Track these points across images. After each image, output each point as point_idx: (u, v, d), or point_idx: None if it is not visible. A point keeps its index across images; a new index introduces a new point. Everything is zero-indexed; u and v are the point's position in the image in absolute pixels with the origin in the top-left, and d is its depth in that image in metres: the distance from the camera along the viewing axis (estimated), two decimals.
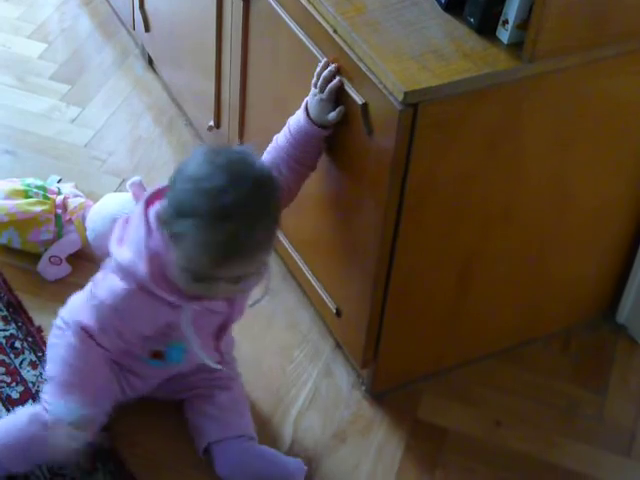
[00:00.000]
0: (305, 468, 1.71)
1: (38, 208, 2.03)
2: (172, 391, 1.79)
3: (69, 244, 2.06)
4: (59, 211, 2.06)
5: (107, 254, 1.62)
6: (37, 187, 2.08)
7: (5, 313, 1.95)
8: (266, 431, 1.82)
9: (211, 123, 2.19)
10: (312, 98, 1.62)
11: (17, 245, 2.04)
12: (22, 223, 2.03)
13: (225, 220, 1.46)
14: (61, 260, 2.03)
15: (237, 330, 1.93)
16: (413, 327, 1.79)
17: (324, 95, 1.59)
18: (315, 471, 1.77)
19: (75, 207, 2.07)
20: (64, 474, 1.71)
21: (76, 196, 2.12)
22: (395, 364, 1.86)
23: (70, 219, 2.06)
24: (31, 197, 2.06)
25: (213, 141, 2.25)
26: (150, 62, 2.59)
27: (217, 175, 1.47)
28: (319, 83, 1.60)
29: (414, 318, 1.78)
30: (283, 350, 1.98)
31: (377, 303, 1.72)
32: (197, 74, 2.22)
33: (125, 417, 1.78)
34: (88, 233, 2.04)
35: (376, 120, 1.53)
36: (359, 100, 1.54)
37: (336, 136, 1.65)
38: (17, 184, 2.10)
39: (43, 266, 2.03)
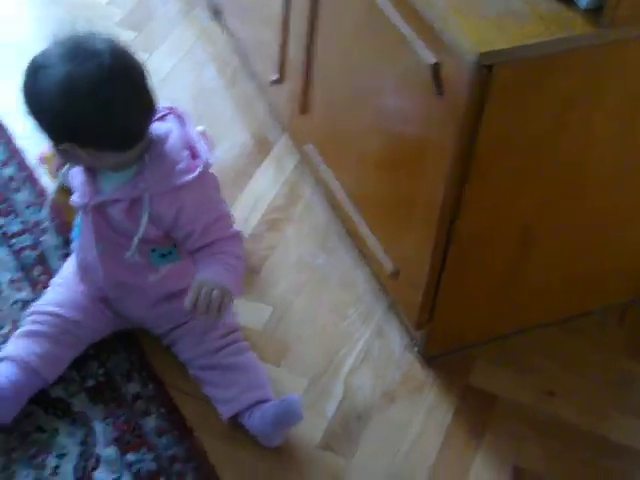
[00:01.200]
0: (297, 397, 1.69)
1: None
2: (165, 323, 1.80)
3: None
4: None
5: None
6: None
7: None
8: (317, 387, 1.83)
9: (274, 77, 2.17)
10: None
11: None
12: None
13: (36, 68, 1.54)
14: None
15: (290, 288, 1.95)
16: (471, 291, 1.78)
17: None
18: (364, 429, 1.78)
19: None
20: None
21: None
22: (450, 328, 1.85)
23: None
24: None
25: (276, 95, 2.25)
26: (216, 13, 2.58)
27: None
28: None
29: (472, 282, 1.77)
30: (337, 308, 1.98)
31: (436, 265, 1.71)
32: (263, 27, 2.21)
33: (174, 368, 1.80)
34: None
35: (447, 81, 1.51)
36: (430, 60, 1.52)
37: (401, 96, 1.64)
38: None
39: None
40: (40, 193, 2.09)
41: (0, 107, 2.26)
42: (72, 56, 1.52)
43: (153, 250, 1.69)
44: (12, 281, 1.93)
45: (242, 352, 1.75)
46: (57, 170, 1.81)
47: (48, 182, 2.06)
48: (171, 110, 1.68)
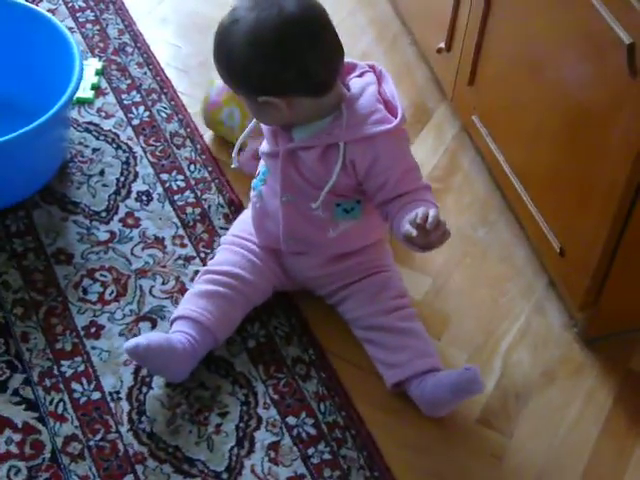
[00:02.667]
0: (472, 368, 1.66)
1: None
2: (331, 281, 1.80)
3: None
4: None
5: None
6: None
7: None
8: (475, 361, 1.81)
9: (442, 45, 2.15)
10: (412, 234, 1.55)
11: (237, 120, 2.04)
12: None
13: (231, 23, 1.58)
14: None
15: (450, 260, 1.93)
16: None
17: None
18: (523, 407, 1.76)
19: None
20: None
21: None
22: (614, 311, 1.82)
23: None
24: None
25: (440, 64, 2.22)
26: None
27: None
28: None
29: None
30: (496, 282, 1.96)
31: (609, 248, 1.68)
32: None
33: (333, 334, 1.82)
34: None
35: None
36: (626, 39, 1.48)
37: (587, 73, 1.60)
38: None
39: (247, 159, 1.96)
40: (203, 150, 2.11)
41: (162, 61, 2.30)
42: (256, 5, 1.56)
43: (337, 205, 1.70)
44: (175, 237, 1.96)
45: (413, 318, 1.75)
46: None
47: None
48: (371, 67, 1.71)
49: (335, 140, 1.63)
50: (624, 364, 1.84)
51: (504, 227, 2.05)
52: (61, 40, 1.99)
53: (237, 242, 1.81)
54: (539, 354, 1.85)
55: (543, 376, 1.81)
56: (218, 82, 2.03)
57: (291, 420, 1.70)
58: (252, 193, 1.80)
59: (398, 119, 1.64)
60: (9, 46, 2.08)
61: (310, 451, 1.67)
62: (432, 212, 1.53)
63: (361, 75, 1.70)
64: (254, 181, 1.79)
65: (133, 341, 1.64)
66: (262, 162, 1.78)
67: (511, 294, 1.94)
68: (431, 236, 1.54)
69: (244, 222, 1.85)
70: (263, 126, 1.74)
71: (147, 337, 1.65)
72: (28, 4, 2.09)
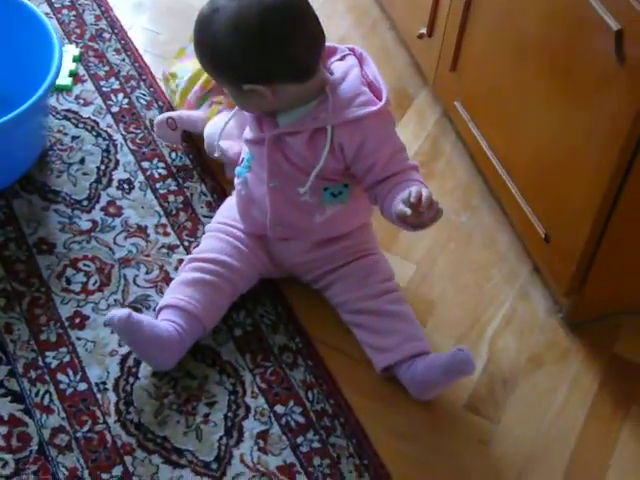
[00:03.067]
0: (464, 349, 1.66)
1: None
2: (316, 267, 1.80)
3: (191, 118, 2.02)
4: (213, 92, 2.04)
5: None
6: None
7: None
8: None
9: (423, 30, 2.14)
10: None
11: (182, 84, 2.05)
12: (197, 71, 2.03)
13: (211, 12, 1.58)
14: (176, 127, 2.01)
15: (434, 245, 1.93)
16: (627, 262, 1.76)
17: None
18: (510, 393, 1.77)
19: (226, 101, 2.02)
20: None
21: None
22: (599, 296, 1.83)
23: (213, 102, 2.03)
24: None
25: (420, 49, 2.22)
26: None
27: None
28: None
29: (630, 254, 1.74)
30: (480, 268, 1.96)
31: (595, 233, 1.68)
32: None
33: (318, 321, 1.82)
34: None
35: (631, 49, 1.47)
36: (614, 26, 1.48)
37: (574, 58, 1.60)
38: None
39: (159, 122, 2.00)
40: (184, 138, 2.09)
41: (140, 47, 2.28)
42: None
43: (325, 189, 1.70)
44: (157, 225, 1.94)
45: (401, 301, 1.75)
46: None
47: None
48: (351, 50, 1.71)
49: (322, 124, 1.63)
50: (609, 349, 1.85)
51: (487, 212, 2.05)
52: (39, 26, 1.97)
53: (222, 229, 1.80)
54: (525, 340, 1.85)
55: (529, 362, 1.82)
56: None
57: (279, 409, 1.70)
58: (236, 180, 1.79)
59: (384, 100, 1.64)
60: None
61: (299, 440, 1.66)
62: (425, 191, 1.54)
63: (342, 58, 1.70)
64: (238, 168, 1.78)
65: (113, 311, 1.64)
66: (245, 149, 1.77)
67: (495, 280, 1.94)
68: (424, 215, 1.54)
69: (228, 209, 1.84)
70: (246, 113, 1.72)
71: (129, 310, 1.63)
72: None
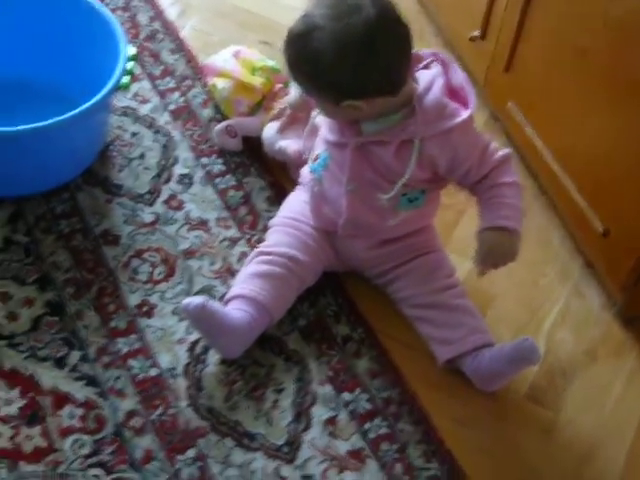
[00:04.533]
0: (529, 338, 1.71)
1: (256, 83, 2.09)
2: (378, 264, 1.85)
3: (249, 124, 2.08)
4: (267, 97, 2.09)
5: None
6: (270, 68, 2.12)
7: None
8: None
9: (475, 33, 2.19)
10: None
11: (225, 95, 2.10)
12: (238, 84, 2.08)
13: (309, 30, 1.59)
14: (236, 134, 2.07)
15: None
16: None
17: None
18: (569, 384, 1.81)
19: (280, 103, 2.09)
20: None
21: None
22: None
23: (268, 107, 2.09)
24: (255, 74, 2.11)
25: (471, 52, 2.26)
26: None
27: None
28: None
29: None
30: (534, 265, 2.00)
31: None
32: None
33: (378, 313, 1.86)
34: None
35: None
36: None
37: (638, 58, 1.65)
38: (255, 57, 2.15)
39: (219, 131, 2.07)
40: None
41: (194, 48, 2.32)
42: (336, 13, 1.57)
43: (403, 194, 1.73)
44: (219, 219, 1.98)
45: (464, 296, 1.80)
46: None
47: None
48: (435, 56, 1.73)
49: (411, 136, 1.65)
50: None
51: (539, 211, 2.10)
52: (102, 24, 2.00)
53: (289, 224, 1.83)
54: (581, 334, 1.90)
55: (586, 355, 1.86)
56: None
57: (346, 396, 1.73)
58: (309, 176, 1.82)
59: (470, 108, 1.67)
60: (51, 31, 2.09)
61: (367, 426, 1.70)
62: (490, 246, 1.68)
63: (427, 66, 1.71)
64: (312, 165, 1.81)
65: (190, 298, 1.68)
66: (322, 147, 1.79)
67: (550, 276, 1.98)
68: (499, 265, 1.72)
69: (294, 203, 1.88)
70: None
71: (205, 298, 1.67)
72: None
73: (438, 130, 1.65)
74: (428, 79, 1.67)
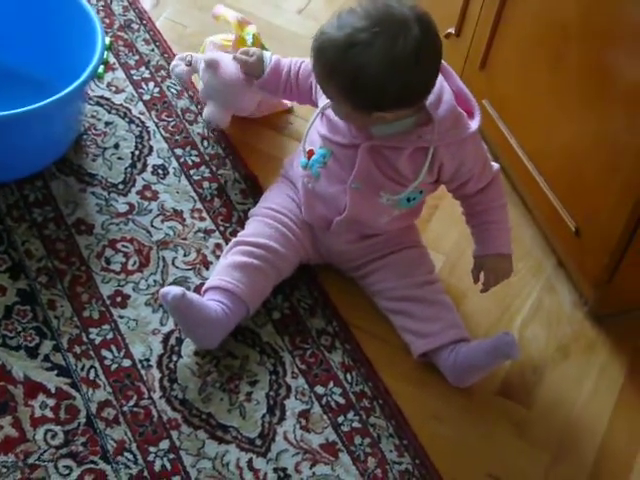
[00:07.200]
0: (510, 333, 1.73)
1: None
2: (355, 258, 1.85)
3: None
4: None
5: None
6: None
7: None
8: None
9: (450, 30, 2.19)
10: None
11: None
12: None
13: (350, 45, 1.54)
14: (190, 63, 2.06)
15: (462, 238, 1.98)
16: None
17: None
18: (540, 380, 1.82)
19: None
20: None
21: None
22: (626, 290, 1.88)
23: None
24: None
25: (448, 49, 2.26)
26: None
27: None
28: None
29: None
30: None
31: (630, 225, 1.73)
32: None
33: (352, 307, 1.86)
34: None
35: None
36: None
37: (615, 57, 1.65)
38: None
39: (180, 56, 2.08)
40: (215, 129, 2.12)
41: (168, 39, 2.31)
42: (387, 31, 1.54)
43: None
44: (193, 210, 1.97)
45: (443, 292, 1.81)
46: None
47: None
48: None
49: (427, 144, 1.66)
50: (633, 342, 1.91)
51: (511, 209, 2.07)
52: (79, 12, 1.99)
53: (270, 215, 1.83)
54: (552, 330, 1.91)
55: (558, 351, 1.88)
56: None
57: (319, 389, 1.74)
58: (301, 172, 1.81)
59: (477, 117, 1.69)
60: (28, 17, 2.07)
61: (340, 419, 1.70)
62: (488, 269, 1.80)
63: None
64: (306, 161, 1.78)
65: (168, 288, 1.67)
66: (318, 143, 1.77)
67: (522, 273, 1.99)
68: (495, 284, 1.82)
69: (276, 195, 1.88)
70: (337, 117, 1.73)
71: (184, 289, 1.66)
72: None
73: (454, 139, 1.67)
74: (436, 86, 1.66)
